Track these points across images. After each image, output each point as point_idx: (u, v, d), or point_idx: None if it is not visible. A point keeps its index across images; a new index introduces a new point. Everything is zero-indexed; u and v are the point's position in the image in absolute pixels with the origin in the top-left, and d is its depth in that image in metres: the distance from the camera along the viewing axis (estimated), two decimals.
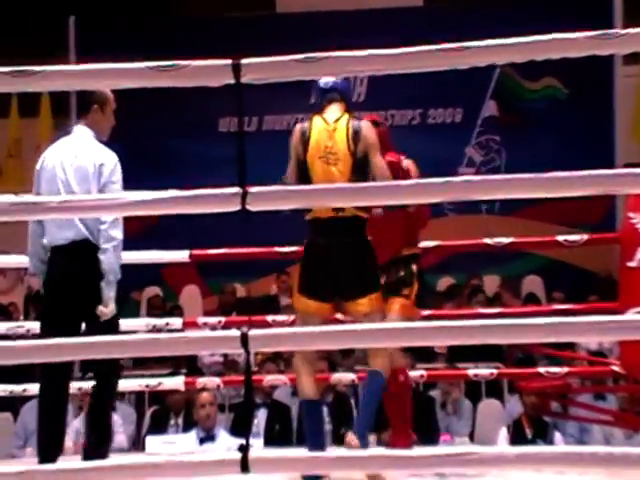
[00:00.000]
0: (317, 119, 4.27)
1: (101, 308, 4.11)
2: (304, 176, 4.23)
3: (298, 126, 4.32)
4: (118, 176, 4.24)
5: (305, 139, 4.25)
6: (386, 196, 3.11)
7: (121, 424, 6.99)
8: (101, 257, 4.15)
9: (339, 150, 4.21)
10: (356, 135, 4.22)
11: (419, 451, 2.75)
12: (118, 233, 4.18)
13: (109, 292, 4.14)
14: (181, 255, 5.56)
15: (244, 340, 2.95)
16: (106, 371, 4.12)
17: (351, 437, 4.07)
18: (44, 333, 4.11)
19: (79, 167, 4.23)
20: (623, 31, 2.59)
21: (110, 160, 4.26)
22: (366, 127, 4.25)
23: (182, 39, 9.48)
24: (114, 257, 4.16)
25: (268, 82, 2.91)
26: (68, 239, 4.19)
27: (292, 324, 5.29)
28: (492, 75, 9.87)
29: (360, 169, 4.19)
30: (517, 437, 6.30)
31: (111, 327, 4.10)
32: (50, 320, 4.20)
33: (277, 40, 8.90)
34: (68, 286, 4.17)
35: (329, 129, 4.25)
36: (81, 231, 4.18)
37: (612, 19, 9.52)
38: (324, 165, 4.21)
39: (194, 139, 9.81)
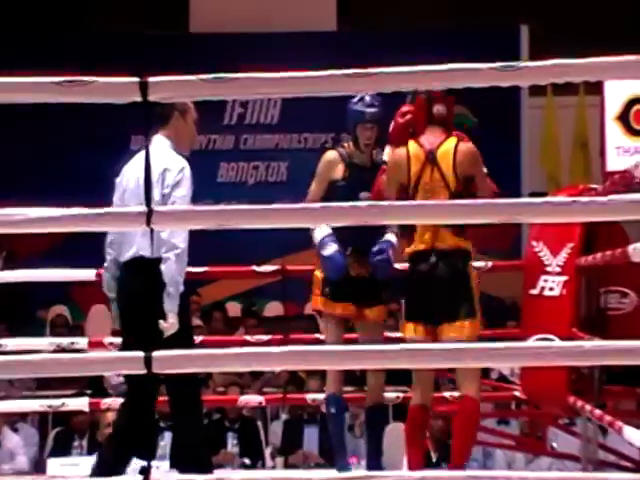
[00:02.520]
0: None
1: (162, 323, 3.89)
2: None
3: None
4: (185, 183, 4.01)
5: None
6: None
7: (22, 445, 6.87)
8: (162, 267, 3.92)
9: None
10: None
11: (314, 474, 2.74)
12: (180, 241, 3.94)
13: (170, 305, 3.91)
14: (88, 274, 5.49)
15: (147, 362, 2.92)
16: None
17: None
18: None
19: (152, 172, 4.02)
20: (524, 64, 2.64)
21: (176, 165, 4.02)
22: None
23: (100, 55, 9.40)
24: (176, 267, 3.92)
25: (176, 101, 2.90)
26: (128, 256, 4.03)
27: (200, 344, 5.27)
28: (403, 102, 9.96)
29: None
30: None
31: (181, 339, 3.84)
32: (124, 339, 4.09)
33: (190, 60, 8.92)
34: (130, 305, 4.02)
35: None
36: (138, 248, 3.99)
37: (519, 50, 9.73)
38: None
39: (105, 155, 9.72)
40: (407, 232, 4.39)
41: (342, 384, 4.84)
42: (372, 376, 4.82)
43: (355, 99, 4.77)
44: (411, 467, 4.50)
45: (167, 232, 3.87)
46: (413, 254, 4.35)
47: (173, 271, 3.92)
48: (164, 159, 4.03)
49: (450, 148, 4.38)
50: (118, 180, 4.19)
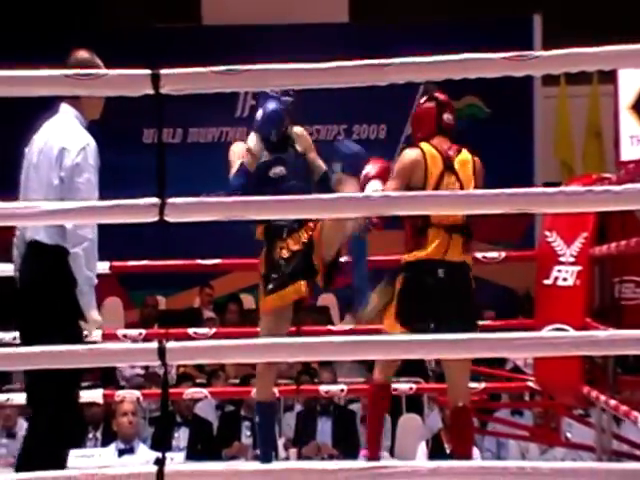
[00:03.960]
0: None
1: (82, 324, 3.67)
2: None
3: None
4: (86, 165, 3.66)
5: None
6: (308, 210, 3.11)
7: None
8: (70, 263, 3.63)
9: None
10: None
11: (328, 465, 2.75)
12: (88, 232, 3.64)
13: (86, 302, 3.66)
14: (101, 267, 5.50)
15: (161, 353, 2.93)
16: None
17: None
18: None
19: (46, 153, 3.73)
20: (537, 53, 2.63)
21: (75, 144, 3.69)
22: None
23: (111, 50, 9.39)
24: (86, 262, 3.63)
25: (189, 93, 2.90)
26: (28, 237, 3.71)
27: (214, 336, 5.27)
28: (415, 93, 9.96)
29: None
30: (436, 452, 6.33)
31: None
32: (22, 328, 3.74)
33: (203, 52, 8.92)
34: (38, 294, 3.70)
35: None
36: (33, 232, 3.67)
37: (532, 40, 9.71)
38: None
39: (117, 149, 9.74)
40: (416, 234, 4.34)
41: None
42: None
43: None
44: (369, 444, 4.51)
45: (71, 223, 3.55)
46: (419, 261, 4.28)
47: (82, 267, 3.63)
48: (63, 136, 3.72)
49: (469, 159, 4.37)
50: (27, 150, 3.85)
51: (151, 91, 2.77)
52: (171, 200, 2.88)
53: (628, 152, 4.89)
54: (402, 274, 4.33)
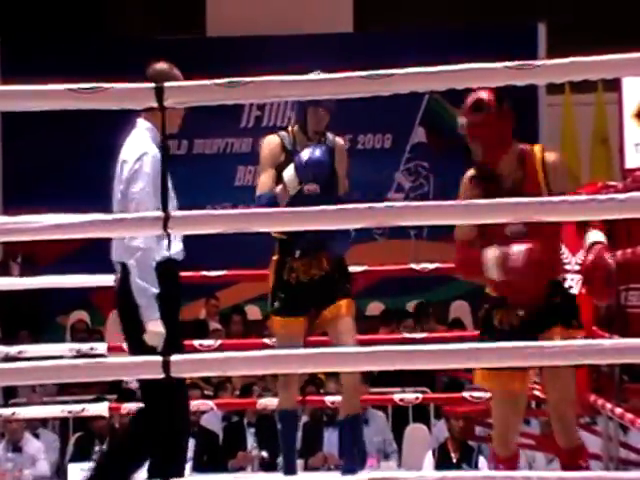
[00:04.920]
0: None
1: (145, 337, 3.60)
2: None
3: None
4: (141, 175, 3.61)
5: None
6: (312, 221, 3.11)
7: (44, 451, 6.90)
8: (130, 278, 3.60)
9: None
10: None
11: (335, 476, 2.74)
12: (140, 242, 3.57)
13: (146, 315, 3.59)
14: (107, 279, 5.49)
15: (166, 366, 2.92)
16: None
17: None
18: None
19: (115, 167, 3.75)
20: (540, 62, 2.63)
21: (133, 155, 3.65)
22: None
23: (116, 59, 9.43)
24: (140, 273, 3.58)
25: (192, 106, 2.90)
26: (111, 257, 3.76)
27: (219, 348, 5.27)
28: (421, 102, 9.97)
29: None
30: (442, 461, 6.33)
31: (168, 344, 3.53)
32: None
33: (207, 63, 8.93)
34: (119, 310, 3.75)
35: None
36: (116, 249, 3.69)
37: (536, 48, 9.71)
38: None
39: None
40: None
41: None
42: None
43: None
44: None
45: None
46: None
47: (135, 278, 3.60)
48: (126, 148, 3.74)
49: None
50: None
51: (155, 104, 2.78)
52: (175, 213, 2.89)
53: (633, 159, 4.89)
54: None
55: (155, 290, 3.61)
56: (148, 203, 3.61)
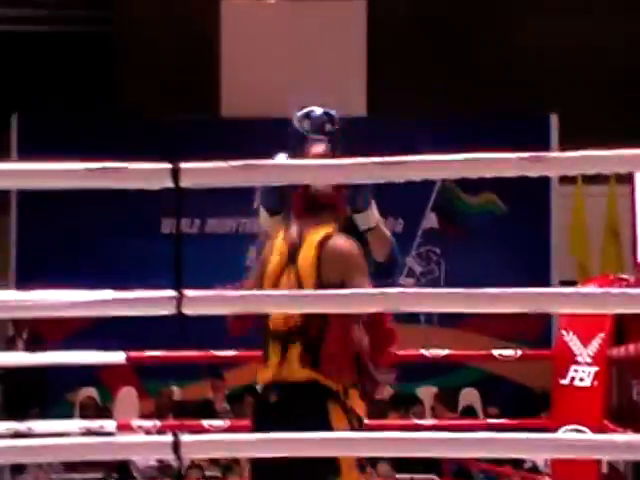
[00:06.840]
0: None
1: None
2: None
3: None
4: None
5: None
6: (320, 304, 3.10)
7: None
8: None
9: None
10: None
11: None
12: None
13: None
14: (117, 357, 5.48)
15: (176, 446, 2.90)
16: None
17: None
18: None
19: None
20: (553, 155, 2.64)
21: None
22: None
23: (132, 138, 9.54)
24: None
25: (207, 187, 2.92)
26: None
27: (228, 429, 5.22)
28: (433, 188, 10.03)
29: None
30: None
31: None
32: None
33: (221, 144, 9.03)
34: None
35: None
36: None
37: (549, 138, 9.79)
38: None
39: (136, 239, 9.79)
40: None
41: None
42: None
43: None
44: None
45: None
46: None
47: None
48: None
49: None
50: None
51: (171, 185, 2.79)
52: (189, 293, 2.88)
53: None
54: None
55: None
56: None
